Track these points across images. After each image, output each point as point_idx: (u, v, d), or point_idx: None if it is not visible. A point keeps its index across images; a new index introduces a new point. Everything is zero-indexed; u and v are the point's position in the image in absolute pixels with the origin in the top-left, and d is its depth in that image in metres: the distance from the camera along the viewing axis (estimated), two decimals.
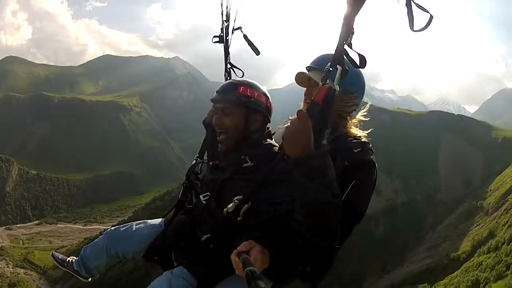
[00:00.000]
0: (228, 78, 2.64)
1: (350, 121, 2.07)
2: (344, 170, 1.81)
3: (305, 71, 2.19)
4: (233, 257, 1.40)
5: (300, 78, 2.20)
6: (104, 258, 2.45)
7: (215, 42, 2.75)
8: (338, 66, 1.42)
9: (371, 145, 2.02)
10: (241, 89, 1.98)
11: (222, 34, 2.67)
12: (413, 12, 1.28)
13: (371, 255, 49.10)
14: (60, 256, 2.76)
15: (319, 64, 2.07)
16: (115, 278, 49.77)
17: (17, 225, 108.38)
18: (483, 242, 47.69)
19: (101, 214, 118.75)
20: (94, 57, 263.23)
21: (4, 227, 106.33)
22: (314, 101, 1.44)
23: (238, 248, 1.42)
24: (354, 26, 1.37)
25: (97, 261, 2.49)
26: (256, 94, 1.99)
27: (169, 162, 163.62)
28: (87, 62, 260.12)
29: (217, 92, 2.06)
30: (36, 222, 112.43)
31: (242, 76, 2.57)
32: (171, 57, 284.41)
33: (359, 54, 1.44)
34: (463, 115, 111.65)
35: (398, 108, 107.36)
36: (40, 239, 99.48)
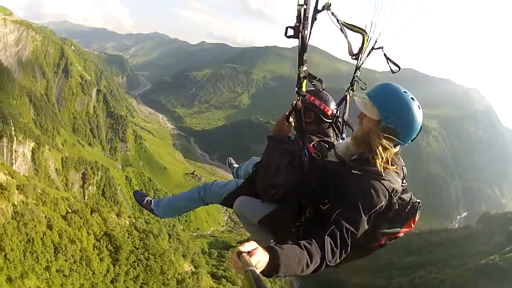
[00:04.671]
0: (351, 90, 3.01)
1: (383, 153, 2.00)
2: (333, 182, 2.07)
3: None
4: (233, 257, 1.39)
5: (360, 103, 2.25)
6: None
7: (352, 58, 2.94)
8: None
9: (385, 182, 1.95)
10: (307, 95, 2.65)
11: (358, 52, 2.82)
12: (349, 40, 1.52)
13: None
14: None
15: (371, 96, 2.14)
16: None
17: None
18: None
19: None
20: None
21: None
22: (292, 113, 2.61)
23: (238, 248, 1.41)
24: (305, 59, 2.21)
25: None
26: (312, 98, 2.68)
27: (447, 198, 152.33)
28: (388, 71, 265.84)
29: None
30: None
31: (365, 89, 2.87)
32: (471, 87, 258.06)
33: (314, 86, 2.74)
34: None
35: None
36: None
